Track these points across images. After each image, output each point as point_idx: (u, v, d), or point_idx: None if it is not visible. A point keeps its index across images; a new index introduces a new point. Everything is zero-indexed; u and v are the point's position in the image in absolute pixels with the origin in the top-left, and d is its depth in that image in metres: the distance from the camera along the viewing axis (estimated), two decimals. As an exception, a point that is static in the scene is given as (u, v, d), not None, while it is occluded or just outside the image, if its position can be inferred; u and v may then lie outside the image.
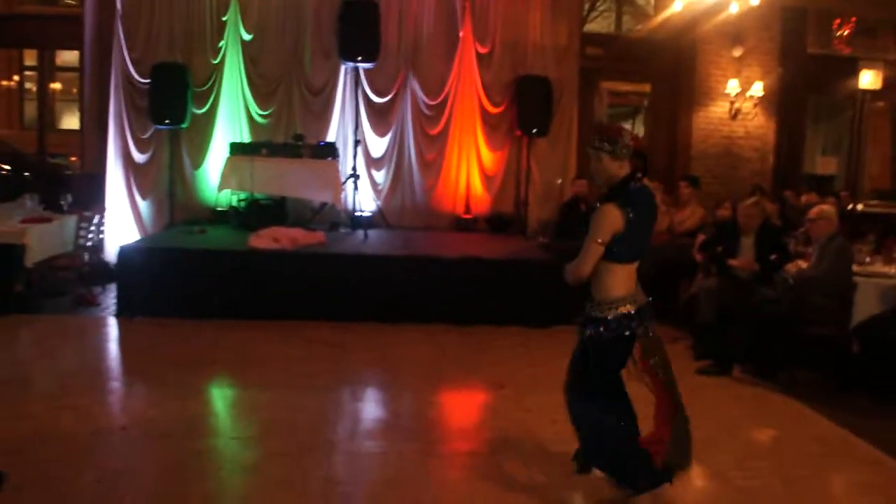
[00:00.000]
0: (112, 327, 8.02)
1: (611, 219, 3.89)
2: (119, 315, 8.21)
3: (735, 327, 6.95)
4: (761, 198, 8.03)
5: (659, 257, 8.27)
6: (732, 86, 11.49)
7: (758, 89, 11.48)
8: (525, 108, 10.58)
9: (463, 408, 6.35)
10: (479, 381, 6.59)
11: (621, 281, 4.00)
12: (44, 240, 8.46)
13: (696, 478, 4.75)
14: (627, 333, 3.99)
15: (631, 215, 3.89)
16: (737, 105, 11.58)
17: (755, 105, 11.58)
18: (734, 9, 10.53)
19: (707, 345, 7.20)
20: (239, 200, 10.14)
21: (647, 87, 13.16)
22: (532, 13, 10.84)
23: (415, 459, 4.84)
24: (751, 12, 10.85)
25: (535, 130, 10.60)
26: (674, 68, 11.99)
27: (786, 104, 11.89)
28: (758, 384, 6.63)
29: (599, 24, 13.24)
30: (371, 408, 6.05)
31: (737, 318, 6.95)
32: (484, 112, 10.79)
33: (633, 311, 3.99)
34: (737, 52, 11.54)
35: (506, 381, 6.43)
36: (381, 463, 4.81)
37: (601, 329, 4.00)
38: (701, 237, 8.28)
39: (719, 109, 11.67)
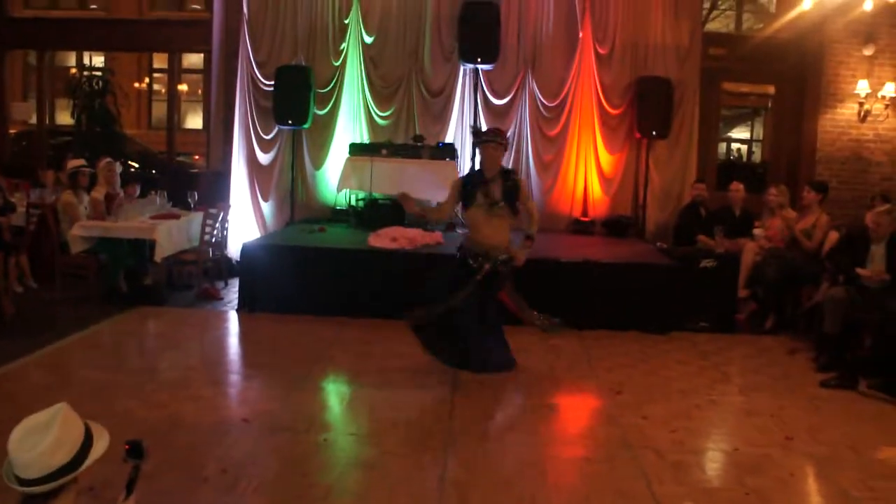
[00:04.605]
0: (233, 321, 8.37)
1: None
2: (240, 309, 8.57)
3: (862, 339, 6.76)
4: (894, 205, 7.72)
5: (783, 263, 8.09)
6: (862, 87, 10.98)
7: (890, 90, 10.95)
8: (645, 109, 10.41)
9: (578, 412, 6.35)
10: (596, 386, 6.58)
11: None
12: (172, 236, 8.88)
13: (818, 495, 4.66)
14: None
15: None
16: (866, 107, 11.10)
17: (886, 106, 11.06)
18: (868, 6, 9.93)
19: (832, 356, 6.98)
20: (358, 200, 10.37)
21: (769, 89, 12.79)
22: (653, 13, 10.64)
23: (530, 462, 4.90)
24: (886, 9, 10.31)
25: (654, 132, 10.43)
26: (799, 68, 11.55)
27: (921, 105, 11.35)
28: (885, 400, 6.32)
29: (720, 23, 12.96)
30: (488, 408, 6.07)
31: (865, 330, 6.76)
32: (603, 113, 10.68)
33: None
34: (868, 51, 11.04)
35: (623, 388, 6.40)
36: (497, 464, 4.87)
37: None
38: (829, 245, 8.05)
39: (847, 111, 11.15)
